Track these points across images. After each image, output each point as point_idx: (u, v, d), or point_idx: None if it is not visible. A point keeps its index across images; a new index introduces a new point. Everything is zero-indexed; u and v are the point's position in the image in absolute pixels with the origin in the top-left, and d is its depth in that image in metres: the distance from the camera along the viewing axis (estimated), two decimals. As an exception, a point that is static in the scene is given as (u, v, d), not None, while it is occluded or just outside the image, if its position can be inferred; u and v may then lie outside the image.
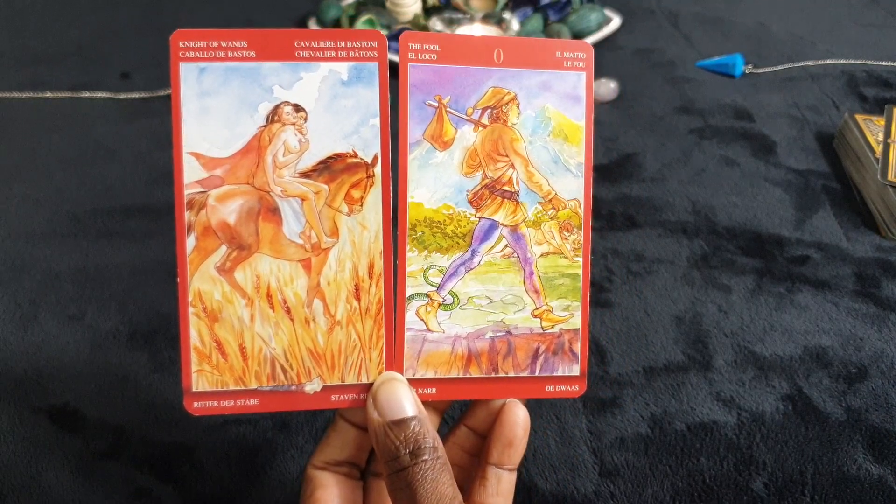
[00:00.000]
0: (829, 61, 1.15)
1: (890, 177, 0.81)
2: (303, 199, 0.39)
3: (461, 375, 0.42)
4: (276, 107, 0.39)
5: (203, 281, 0.39)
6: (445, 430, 0.45)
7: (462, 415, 0.45)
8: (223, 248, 0.39)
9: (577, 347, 0.43)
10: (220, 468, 0.57)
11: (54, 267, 0.74)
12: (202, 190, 0.38)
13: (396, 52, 0.39)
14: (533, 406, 0.43)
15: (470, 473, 0.43)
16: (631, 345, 0.67)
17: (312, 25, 1.21)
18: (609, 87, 1.04)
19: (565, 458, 0.58)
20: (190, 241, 0.39)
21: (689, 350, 0.66)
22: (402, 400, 0.39)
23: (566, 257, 0.42)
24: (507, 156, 0.41)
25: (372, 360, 0.41)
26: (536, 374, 0.43)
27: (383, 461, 0.38)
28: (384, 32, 0.46)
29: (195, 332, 0.39)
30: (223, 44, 0.38)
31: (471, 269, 0.41)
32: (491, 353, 0.42)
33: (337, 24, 1.19)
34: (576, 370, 0.43)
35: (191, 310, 0.39)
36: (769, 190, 0.87)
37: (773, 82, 1.10)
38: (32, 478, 0.56)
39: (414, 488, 0.37)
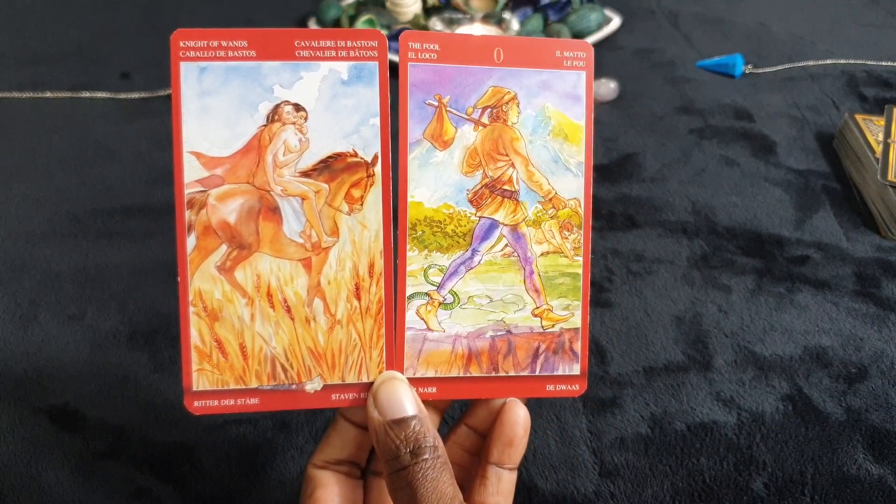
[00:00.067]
0: (829, 61, 1.15)
1: (890, 177, 0.81)
2: (303, 199, 0.39)
3: (461, 375, 0.42)
4: (277, 106, 0.39)
5: (203, 280, 0.39)
6: (446, 430, 0.45)
7: (462, 414, 0.45)
8: (223, 248, 0.39)
9: (578, 347, 0.43)
10: (220, 468, 0.57)
11: (54, 267, 0.74)
12: (202, 189, 0.38)
13: (396, 52, 0.39)
14: (533, 406, 0.43)
15: (470, 472, 0.43)
16: (631, 345, 0.67)
17: (312, 25, 1.21)
18: (609, 87, 1.04)
19: (565, 458, 0.58)
20: (190, 241, 0.39)
21: (689, 350, 0.66)
22: (403, 399, 0.39)
23: (566, 256, 0.42)
24: (507, 155, 0.41)
25: (372, 360, 0.41)
26: (537, 373, 0.43)
27: (384, 460, 0.38)
28: (384, 32, 0.46)
29: (195, 331, 0.39)
30: (223, 43, 0.38)
31: (471, 269, 0.41)
32: (491, 353, 0.42)
33: (337, 24, 1.19)
34: (576, 369, 0.43)
35: (191, 309, 0.39)
36: (769, 190, 0.87)
37: (773, 82, 1.10)
38: (32, 478, 0.56)
39: (414, 487, 0.37)
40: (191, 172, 0.38)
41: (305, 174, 0.39)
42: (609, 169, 0.90)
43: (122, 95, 1.03)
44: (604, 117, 1.00)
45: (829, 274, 0.75)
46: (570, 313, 0.43)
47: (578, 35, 1.18)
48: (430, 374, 0.42)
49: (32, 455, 0.57)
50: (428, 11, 1.22)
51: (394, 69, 0.39)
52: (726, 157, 0.93)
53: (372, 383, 0.41)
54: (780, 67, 1.13)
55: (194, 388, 0.40)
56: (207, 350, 0.39)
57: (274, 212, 0.39)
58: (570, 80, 0.41)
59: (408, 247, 0.41)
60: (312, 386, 0.40)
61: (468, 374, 0.42)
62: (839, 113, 1.02)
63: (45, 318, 0.68)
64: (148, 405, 0.61)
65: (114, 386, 0.62)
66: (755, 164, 0.91)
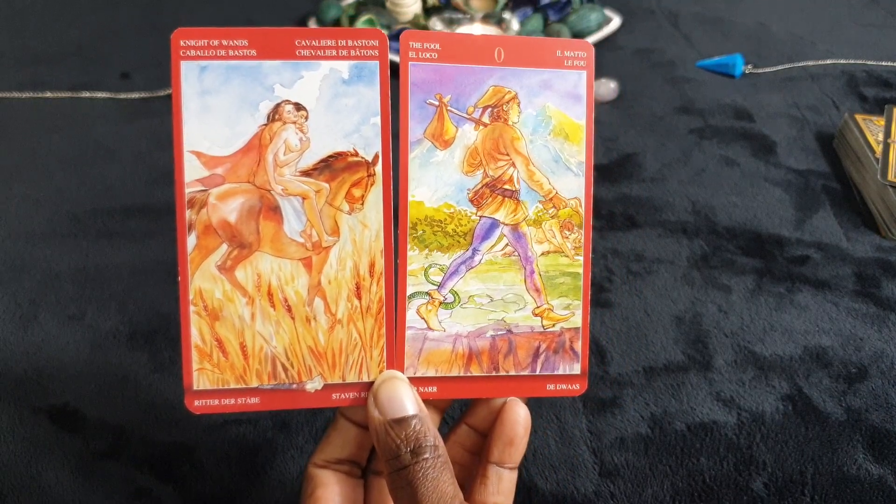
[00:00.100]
0: (829, 61, 1.15)
1: (890, 177, 0.81)
2: (304, 198, 0.39)
3: (462, 374, 0.42)
4: (277, 105, 0.38)
5: (204, 279, 0.39)
6: (446, 429, 0.45)
7: (463, 413, 0.45)
8: (224, 247, 0.39)
9: (578, 346, 0.43)
10: (220, 468, 0.57)
11: (54, 267, 0.74)
12: (203, 188, 0.38)
13: (396, 52, 0.39)
14: (533, 406, 0.43)
15: (471, 472, 0.43)
16: (631, 345, 0.67)
17: (312, 25, 1.21)
18: (609, 87, 1.04)
19: (565, 458, 0.58)
20: (191, 240, 0.39)
21: (689, 350, 0.66)
22: (403, 398, 0.39)
23: (567, 256, 0.42)
24: (507, 154, 0.41)
25: (373, 359, 0.41)
26: (537, 372, 0.43)
27: (384, 459, 0.38)
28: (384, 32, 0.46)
29: (196, 330, 0.39)
30: (224, 42, 0.38)
31: (472, 268, 0.41)
32: (492, 352, 0.42)
33: (337, 24, 1.19)
34: (577, 369, 0.43)
35: (192, 308, 0.39)
36: (769, 190, 0.87)
37: (773, 82, 1.10)
38: (32, 478, 0.56)
39: (415, 487, 0.37)
40: (191, 172, 0.38)
41: (306, 173, 0.39)
42: (609, 169, 0.90)
43: (122, 95, 1.03)
44: (604, 117, 1.01)
45: (829, 274, 0.75)
46: (571, 313, 0.43)
47: (578, 35, 1.18)
48: (431, 373, 0.42)
49: (32, 455, 0.57)
50: (428, 11, 1.22)
51: (394, 70, 0.39)
52: (726, 157, 0.93)
53: (372, 382, 0.41)
54: (780, 67, 1.13)
55: (195, 388, 0.40)
56: (208, 349, 0.39)
57: (274, 211, 0.39)
58: (570, 80, 0.41)
59: (408, 246, 0.41)
60: (313, 385, 0.40)
61: (469, 374, 0.42)
62: (839, 113, 1.02)
63: (45, 318, 0.68)
64: (148, 405, 0.61)
65: (114, 386, 0.62)
66: (755, 164, 0.91)
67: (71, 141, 0.94)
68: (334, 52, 0.39)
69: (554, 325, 0.42)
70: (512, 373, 0.42)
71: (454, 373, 0.42)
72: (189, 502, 0.55)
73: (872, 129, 0.89)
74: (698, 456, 0.57)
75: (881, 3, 1.38)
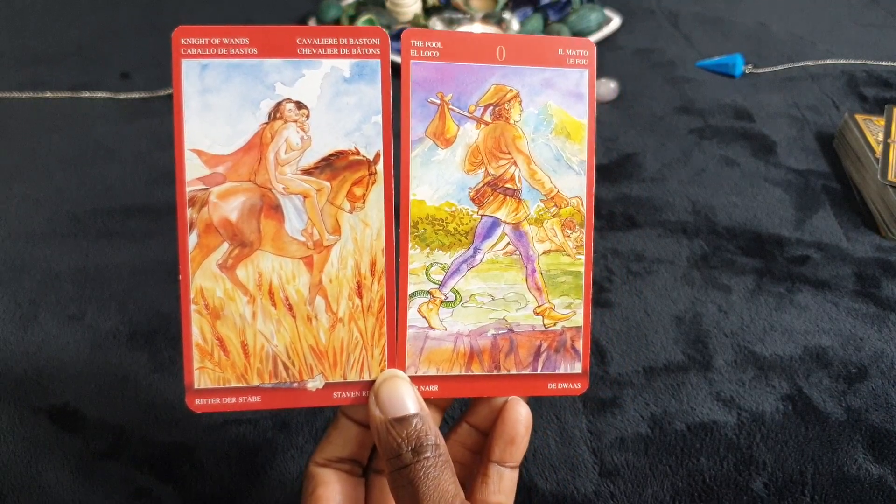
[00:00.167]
0: (829, 61, 1.15)
1: (890, 177, 0.81)
2: (305, 197, 0.39)
3: (463, 373, 0.42)
4: (278, 104, 0.38)
5: (205, 278, 0.39)
6: (447, 428, 0.45)
7: (464, 412, 0.45)
8: (225, 246, 0.39)
9: (580, 345, 0.43)
10: (220, 468, 0.57)
11: (54, 267, 0.74)
12: (204, 187, 0.38)
13: (396, 52, 0.39)
14: (533, 406, 0.43)
15: (472, 471, 0.43)
16: (631, 345, 0.67)
17: (312, 25, 1.21)
18: (609, 87, 1.04)
19: (565, 458, 0.58)
20: (192, 239, 0.39)
21: (689, 350, 0.66)
22: (404, 397, 0.39)
23: (568, 255, 0.42)
24: (509, 153, 0.41)
25: (374, 358, 0.41)
26: (538, 371, 0.43)
27: (385, 458, 0.38)
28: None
29: (197, 329, 0.39)
30: (225, 41, 0.38)
31: (473, 267, 0.41)
32: (493, 351, 0.42)
33: (337, 23, 1.19)
34: (578, 368, 0.43)
35: (193, 307, 0.39)
36: (769, 190, 0.87)
37: (773, 82, 1.10)
38: (32, 478, 0.55)
39: (416, 485, 0.37)
40: (192, 170, 0.38)
41: (307, 172, 0.39)
42: (609, 169, 0.90)
43: (122, 95, 1.03)
44: (604, 117, 1.01)
45: (829, 274, 0.75)
46: (572, 312, 0.42)
47: (578, 35, 1.18)
48: (432, 372, 0.42)
49: (32, 455, 0.57)
50: (428, 11, 1.22)
51: (395, 70, 0.39)
52: (726, 157, 0.93)
53: (373, 381, 0.41)
54: (780, 67, 1.13)
55: (196, 386, 0.39)
56: (209, 348, 0.39)
57: (276, 210, 0.39)
58: (572, 78, 0.41)
59: (409, 245, 0.41)
60: (314, 384, 0.40)
61: (470, 373, 0.42)
62: (839, 113, 1.02)
63: (45, 318, 0.68)
64: (148, 405, 0.61)
65: (114, 386, 0.62)
66: (755, 164, 0.91)
67: (71, 141, 0.94)
68: (335, 51, 0.39)
69: (555, 324, 0.42)
70: (513, 372, 0.42)
71: (455, 372, 0.42)
72: (189, 502, 0.55)
73: (872, 129, 0.89)
74: (698, 456, 0.57)
75: (881, 3, 1.38)
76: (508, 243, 0.42)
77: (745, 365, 0.65)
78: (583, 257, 0.42)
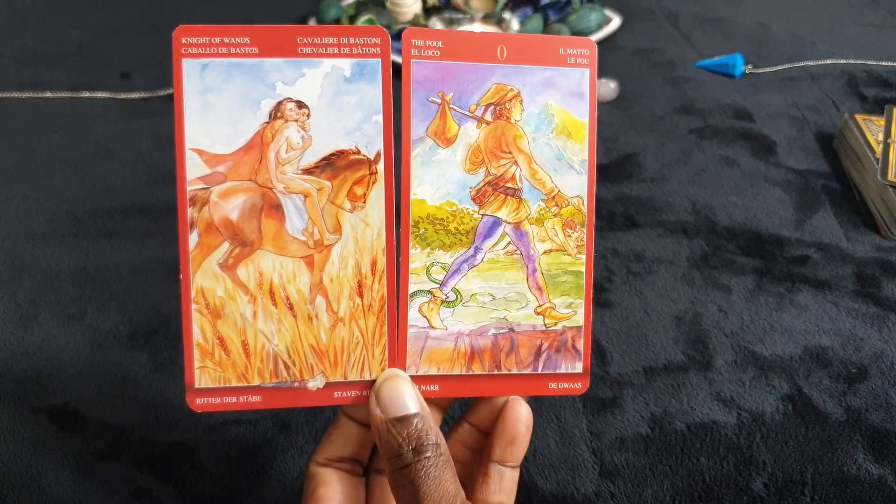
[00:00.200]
0: (829, 61, 1.15)
1: (890, 177, 0.81)
2: (305, 196, 0.39)
3: (464, 372, 0.42)
4: (279, 103, 0.38)
5: (206, 277, 0.39)
6: (447, 428, 0.45)
7: (464, 411, 0.45)
8: (226, 245, 0.39)
9: (580, 345, 0.43)
10: (220, 468, 0.57)
11: (54, 267, 0.74)
12: (205, 186, 0.38)
13: (397, 52, 0.39)
14: (533, 406, 0.43)
15: (472, 470, 0.43)
16: (631, 345, 0.67)
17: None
18: (609, 87, 1.04)
19: (565, 458, 0.58)
20: (192, 238, 0.39)
21: (689, 350, 0.66)
22: (405, 397, 0.39)
23: (569, 254, 0.42)
24: (510, 153, 0.41)
25: (375, 357, 0.41)
26: (539, 371, 0.43)
27: (386, 458, 0.38)
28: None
29: (198, 328, 0.39)
30: (226, 40, 0.38)
31: (474, 266, 0.41)
32: (494, 351, 0.42)
33: (337, 23, 1.19)
34: (579, 367, 0.43)
35: (193, 306, 0.39)
36: (769, 190, 0.87)
37: (773, 82, 1.10)
38: (32, 478, 0.55)
39: (417, 485, 0.37)
40: (193, 170, 0.38)
41: (308, 171, 0.39)
42: (609, 169, 0.90)
43: (122, 95, 1.03)
44: (604, 117, 1.01)
45: (829, 274, 0.75)
46: (573, 311, 0.42)
47: (578, 35, 1.18)
48: (433, 371, 0.42)
49: (32, 455, 0.57)
50: (428, 11, 1.22)
51: (395, 71, 0.39)
52: (726, 157, 0.93)
53: (374, 381, 0.41)
54: (780, 67, 1.13)
55: (196, 386, 0.39)
56: (210, 347, 0.39)
57: (276, 209, 0.39)
58: (573, 78, 0.41)
59: (410, 244, 0.41)
60: (315, 383, 0.40)
61: (470, 372, 0.42)
62: (839, 113, 1.02)
63: (45, 318, 0.68)
64: (148, 405, 0.61)
65: (114, 386, 0.62)
66: (755, 164, 0.91)
67: (71, 141, 0.94)
68: (336, 50, 0.39)
69: (556, 324, 0.42)
70: (514, 371, 0.42)
71: (456, 371, 0.42)
72: (189, 502, 0.55)
73: (872, 129, 0.89)
74: (698, 456, 0.57)
75: (881, 3, 1.38)
76: (509, 243, 0.42)
77: (745, 365, 0.65)
78: (584, 257, 0.42)
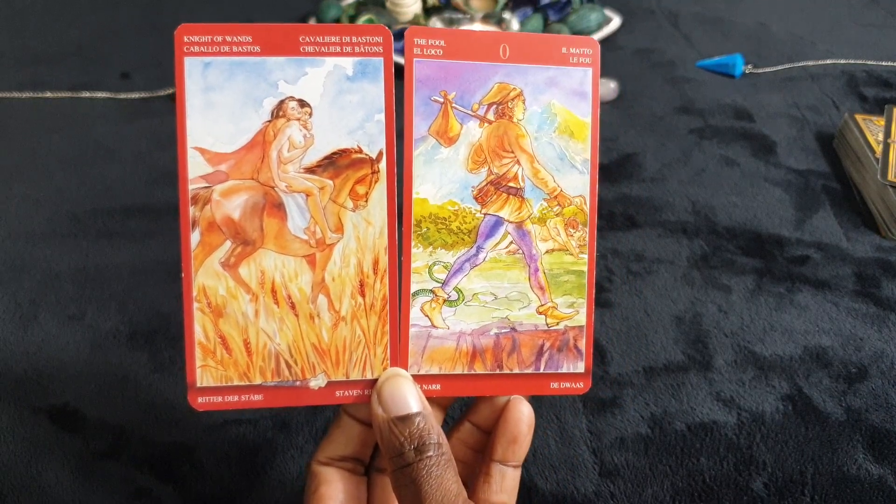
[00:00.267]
0: (829, 61, 1.15)
1: (890, 177, 0.81)
2: (307, 195, 0.39)
3: (466, 372, 0.42)
4: (281, 102, 0.38)
5: (207, 276, 0.39)
6: (448, 427, 0.45)
7: (466, 411, 0.45)
8: (228, 244, 0.39)
9: (582, 344, 0.43)
10: (220, 468, 0.56)
11: (54, 267, 0.74)
12: (207, 185, 0.38)
13: (397, 52, 0.39)
14: (533, 406, 0.43)
15: (474, 470, 0.43)
16: (631, 345, 0.67)
17: (312, 26, 1.20)
18: (609, 87, 1.04)
19: (565, 458, 0.58)
20: (194, 237, 0.39)
21: (689, 350, 0.66)
22: (407, 396, 0.39)
23: (571, 254, 0.42)
24: (512, 152, 0.41)
25: (376, 356, 0.41)
26: (541, 370, 0.42)
27: (388, 457, 0.38)
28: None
29: (199, 327, 0.39)
30: (228, 38, 0.38)
31: (476, 266, 0.41)
32: (495, 350, 0.42)
33: (337, 23, 1.19)
34: (580, 367, 0.43)
35: (195, 305, 0.39)
36: (769, 190, 0.87)
37: (773, 82, 1.10)
38: (32, 478, 0.55)
39: (418, 484, 0.37)
40: (195, 168, 0.38)
41: (310, 170, 0.39)
42: (609, 169, 0.90)
43: (122, 95, 1.03)
44: (604, 117, 1.00)
45: (829, 274, 0.75)
46: (575, 311, 0.42)
47: (578, 35, 1.18)
48: (435, 371, 0.41)
49: (32, 455, 0.57)
50: (428, 11, 1.22)
51: (397, 71, 0.39)
52: (726, 157, 0.93)
53: (376, 380, 0.41)
54: (780, 67, 1.13)
55: (198, 385, 0.39)
56: (211, 346, 0.39)
57: (278, 208, 0.39)
58: (576, 77, 0.41)
59: (412, 243, 0.41)
60: (316, 382, 0.40)
61: (472, 372, 0.42)
62: (839, 113, 1.02)
63: (45, 318, 0.68)
64: (148, 405, 0.61)
65: (114, 386, 0.62)
66: (755, 164, 0.91)
67: (71, 141, 0.94)
68: (338, 49, 0.39)
69: (558, 324, 0.42)
70: (516, 371, 0.42)
71: (458, 370, 0.42)
72: (189, 502, 0.55)
73: (872, 129, 0.89)
74: (698, 456, 0.57)
75: (881, 3, 1.38)
76: (511, 242, 0.42)
77: (745, 365, 0.65)
78: (586, 256, 0.42)
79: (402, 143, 0.40)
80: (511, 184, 0.41)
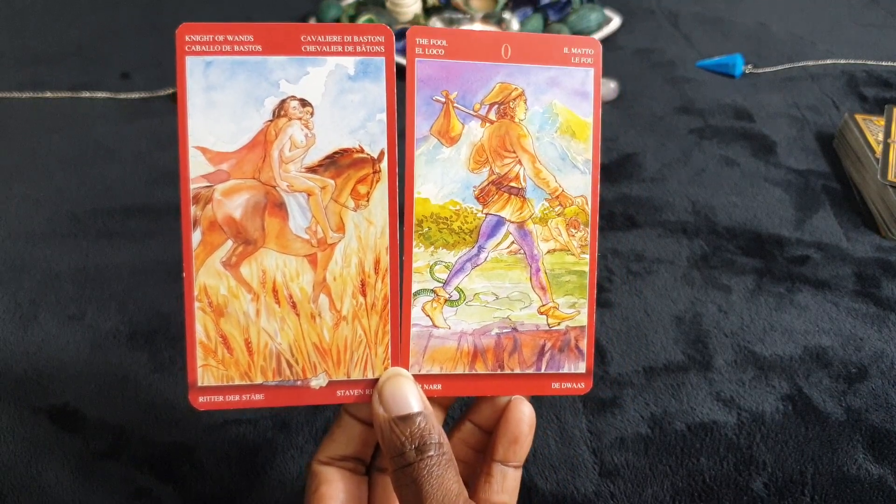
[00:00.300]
0: (829, 61, 1.15)
1: (890, 177, 0.81)
2: (309, 194, 0.39)
3: (467, 372, 0.42)
4: (283, 101, 0.38)
5: (209, 275, 0.39)
6: (449, 427, 0.45)
7: (467, 410, 0.45)
8: (229, 243, 0.39)
9: (583, 345, 0.43)
10: (220, 468, 0.56)
11: (54, 267, 0.74)
12: (208, 184, 0.38)
13: (399, 52, 0.39)
14: (533, 405, 0.43)
15: (475, 469, 0.43)
16: (631, 345, 0.67)
17: (312, 26, 1.20)
18: (609, 87, 1.04)
19: (565, 458, 0.58)
20: (196, 236, 0.39)
21: (689, 350, 0.66)
22: (408, 395, 0.39)
23: (573, 254, 0.42)
24: (514, 152, 0.41)
25: (377, 356, 0.41)
26: (542, 371, 0.42)
27: (389, 457, 0.38)
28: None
29: (201, 326, 0.39)
30: (229, 38, 0.38)
31: (477, 266, 0.41)
32: (497, 350, 0.42)
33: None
34: (582, 367, 0.43)
35: (196, 304, 0.39)
36: (769, 190, 0.87)
37: (773, 82, 1.10)
38: (32, 478, 0.55)
39: (419, 484, 0.37)
40: (196, 167, 0.38)
41: (311, 170, 0.39)
42: (609, 169, 0.90)
43: (122, 95, 1.03)
44: (604, 117, 0.99)
45: (829, 274, 0.75)
46: (577, 311, 0.42)
47: (578, 35, 1.18)
48: (436, 370, 0.41)
49: (32, 455, 0.57)
50: (428, 11, 1.22)
51: (399, 71, 0.39)
52: (726, 157, 0.93)
53: (377, 380, 0.41)
54: (780, 67, 1.13)
55: (199, 384, 0.39)
56: (213, 346, 0.39)
57: (280, 207, 0.39)
58: (578, 77, 0.41)
59: (414, 243, 0.41)
60: (317, 382, 0.40)
61: (473, 372, 0.42)
62: (839, 113, 1.02)
63: (45, 318, 0.68)
64: (148, 405, 0.61)
65: (114, 386, 0.62)
66: (755, 164, 0.91)
67: (71, 141, 0.94)
68: (340, 48, 0.39)
69: (559, 324, 0.42)
70: (517, 371, 0.42)
71: (459, 370, 0.42)
72: (189, 502, 0.55)
73: (872, 129, 0.89)
74: (698, 456, 0.57)
75: (881, 3, 1.38)
76: (513, 242, 0.42)
77: (745, 365, 0.65)
78: (587, 257, 0.42)
79: (403, 142, 0.40)
80: (513, 184, 0.41)
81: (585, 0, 1.26)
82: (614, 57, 1.17)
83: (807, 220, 0.82)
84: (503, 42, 0.40)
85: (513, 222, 0.41)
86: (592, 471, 0.57)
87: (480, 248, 0.41)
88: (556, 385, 0.43)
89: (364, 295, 0.40)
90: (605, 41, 1.20)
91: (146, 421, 0.59)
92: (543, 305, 0.42)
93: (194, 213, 0.38)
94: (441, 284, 0.41)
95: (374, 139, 0.39)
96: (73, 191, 0.85)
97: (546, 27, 1.19)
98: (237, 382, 0.40)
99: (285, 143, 0.38)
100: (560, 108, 0.41)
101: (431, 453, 0.37)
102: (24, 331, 0.67)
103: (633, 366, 0.65)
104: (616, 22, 1.24)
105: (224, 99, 0.38)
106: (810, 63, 1.14)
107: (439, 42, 0.40)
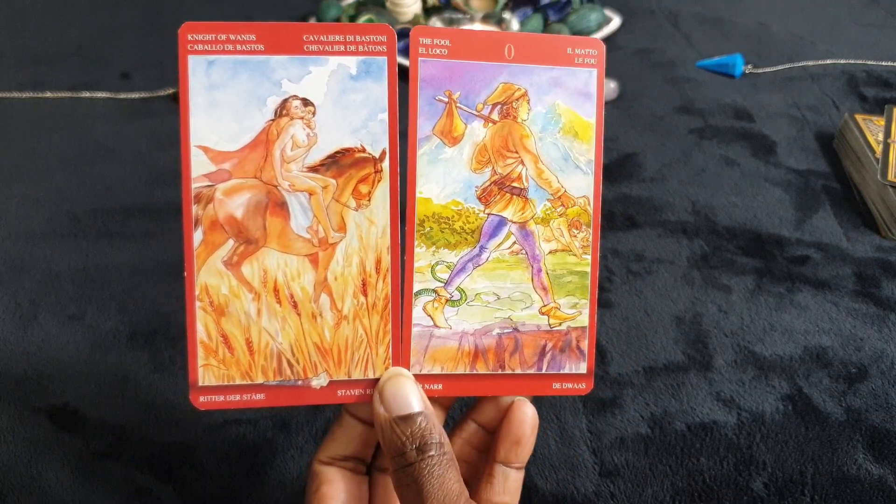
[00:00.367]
0: (829, 61, 1.15)
1: (890, 177, 0.81)
2: (310, 194, 0.39)
3: (468, 372, 0.42)
4: (285, 101, 0.38)
5: (210, 275, 0.39)
6: (450, 427, 0.45)
7: (469, 410, 0.45)
8: (230, 243, 0.39)
9: (585, 345, 0.43)
10: (220, 468, 0.56)
11: (54, 267, 0.74)
12: (210, 184, 0.38)
13: (400, 52, 0.39)
14: (533, 405, 0.43)
15: (477, 469, 0.43)
16: (631, 345, 0.67)
17: (311, 26, 1.20)
18: (609, 87, 1.04)
19: (565, 458, 0.58)
20: (197, 235, 0.39)
21: (689, 350, 0.66)
22: (409, 395, 0.39)
23: (575, 255, 0.42)
24: (516, 152, 0.41)
25: (378, 356, 0.41)
26: (543, 371, 0.42)
27: (389, 456, 0.38)
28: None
29: (202, 326, 0.39)
30: (231, 37, 0.38)
31: (479, 266, 0.41)
32: (498, 350, 0.42)
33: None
34: (583, 368, 0.43)
35: (197, 304, 0.39)
36: (769, 190, 0.87)
37: (773, 82, 1.10)
38: (32, 478, 0.55)
39: (420, 484, 0.37)
40: (198, 167, 0.38)
41: (313, 169, 0.39)
42: (609, 169, 0.90)
43: (122, 95, 1.03)
44: (604, 117, 1.00)
45: (829, 274, 0.75)
46: (578, 312, 0.42)
47: (578, 35, 1.18)
48: (437, 370, 0.41)
49: (32, 455, 0.57)
50: (428, 11, 1.22)
51: (401, 70, 0.38)
52: (726, 157, 0.93)
53: (378, 379, 0.41)
54: (780, 67, 1.13)
55: (200, 384, 0.39)
56: (213, 345, 0.39)
57: (281, 207, 0.39)
58: (581, 78, 0.41)
59: (415, 243, 0.41)
60: (318, 382, 0.40)
61: (474, 372, 0.42)
62: (839, 113, 1.02)
63: (45, 318, 0.68)
64: (148, 405, 0.61)
65: (114, 386, 0.62)
66: (755, 164, 0.91)
67: (71, 141, 0.94)
68: (342, 48, 0.39)
69: (560, 324, 0.42)
70: (518, 371, 0.42)
71: (460, 370, 0.42)
72: (189, 502, 0.55)
73: (872, 129, 0.89)
74: (698, 456, 0.57)
75: (881, 3, 1.38)
76: (514, 242, 0.42)
77: (745, 365, 0.65)
78: (589, 257, 0.42)
79: (405, 142, 0.40)
80: (515, 184, 0.41)
81: (585, 0, 1.26)
82: (614, 57, 1.17)
83: (807, 220, 0.82)
84: (506, 42, 0.40)
85: (515, 222, 0.41)
86: (592, 471, 0.57)
87: (482, 249, 0.41)
88: (557, 385, 0.43)
89: (365, 294, 0.40)
90: (605, 41, 1.20)
91: (146, 421, 0.59)
92: (545, 306, 0.42)
93: (196, 213, 0.38)
94: (442, 284, 0.41)
95: (376, 139, 0.39)
96: (73, 191, 0.85)
97: (546, 27, 1.19)
98: (238, 382, 0.40)
99: (287, 143, 0.38)
100: (563, 108, 0.41)
101: (432, 453, 0.37)
102: (24, 331, 0.67)
103: (633, 366, 0.65)
104: (616, 22, 1.24)
105: (226, 98, 0.38)
106: (810, 63, 1.14)
107: (443, 42, 0.40)
